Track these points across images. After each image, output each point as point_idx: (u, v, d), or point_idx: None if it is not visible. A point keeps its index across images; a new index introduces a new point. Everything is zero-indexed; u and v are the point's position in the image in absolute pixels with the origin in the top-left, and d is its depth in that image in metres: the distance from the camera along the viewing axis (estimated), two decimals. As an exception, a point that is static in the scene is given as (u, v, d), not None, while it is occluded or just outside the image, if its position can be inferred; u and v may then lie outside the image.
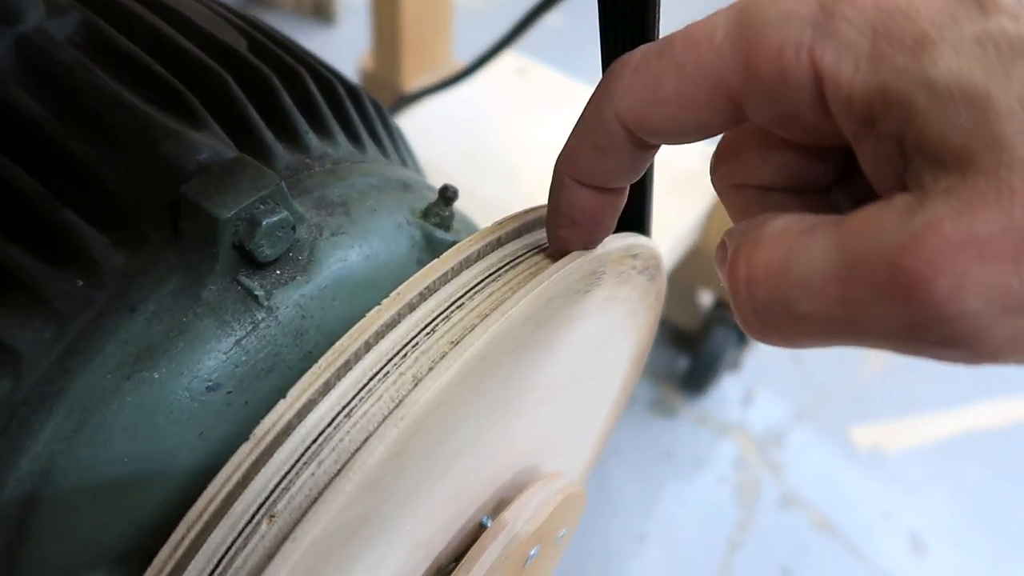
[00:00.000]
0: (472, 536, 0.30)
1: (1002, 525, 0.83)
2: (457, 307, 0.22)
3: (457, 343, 0.21)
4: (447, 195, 0.29)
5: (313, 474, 0.20)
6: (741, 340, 0.84)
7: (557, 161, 0.20)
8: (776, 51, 0.15)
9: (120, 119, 0.25)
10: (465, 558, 0.28)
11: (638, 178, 0.20)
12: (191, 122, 0.25)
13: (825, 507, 0.83)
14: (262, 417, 0.21)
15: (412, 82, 0.77)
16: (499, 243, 0.24)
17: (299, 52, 0.31)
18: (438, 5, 0.76)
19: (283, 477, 0.20)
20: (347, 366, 0.21)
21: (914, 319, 0.13)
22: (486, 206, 0.55)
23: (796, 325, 0.15)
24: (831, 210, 0.19)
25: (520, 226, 0.25)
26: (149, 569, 0.21)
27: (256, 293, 0.24)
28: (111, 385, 0.22)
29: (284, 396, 0.21)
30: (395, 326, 0.22)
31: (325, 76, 0.31)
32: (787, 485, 0.84)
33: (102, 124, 0.25)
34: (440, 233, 0.29)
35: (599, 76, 0.19)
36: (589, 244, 0.23)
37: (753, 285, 0.15)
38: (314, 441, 0.20)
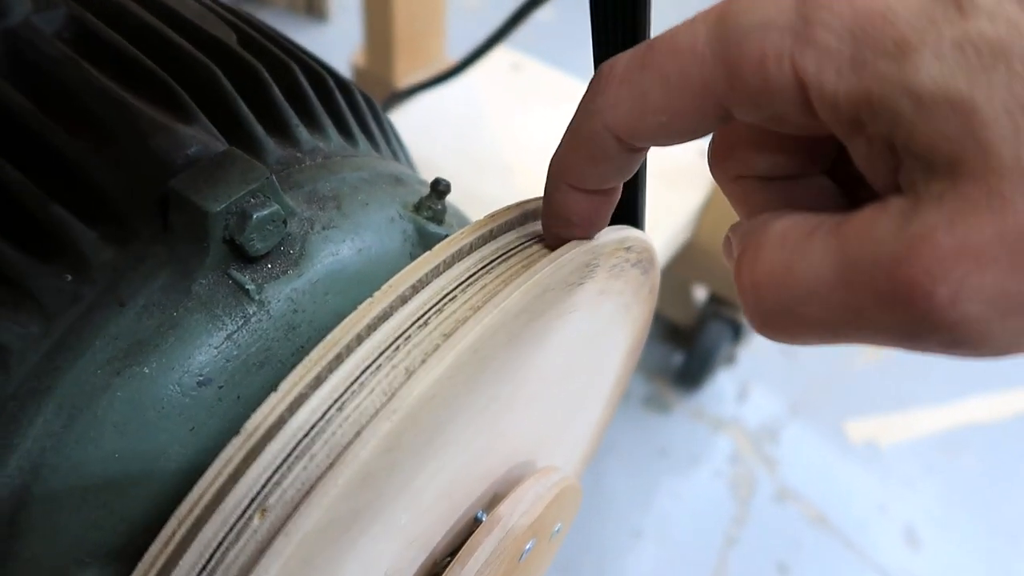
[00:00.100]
0: (467, 531, 0.29)
1: (996, 518, 0.83)
2: (450, 300, 0.22)
3: (450, 336, 0.21)
4: (439, 189, 0.29)
5: (305, 468, 0.19)
6: (735, 335, 0.84)
7: (550, 167, 0.21)
8: (758, 60, 0.15)
9: (109, 113, 0.24)
10: (460, 553, 0.28)
11: (631, 176, 0.20)
12: (180, 116, 0.25)
13: (820, 501, 0.83)
14: (254, 412, 0.20)
15: (405, 79, 0.77)
16: (491, 236, 0.24)
17: (289, 46, 0.31)
18: (431, 2, 0.76)
19: (275, 471, 0.20)
20: (339, 359, 0.21)
21: (916, 325, 0.13)
22: (479, 201, 0.55)
23: (804, 327, 0.15)
24: (833, 190, 0.19)
25: (513, 219, 0.24)
26: (140, 565, 0.20)
27: (247, 287, 0.24)
28: (101, 381, 0.22)
29: (276, 390, 0.20)
30: (387, 319, 0.22)
31: (315, 70, 0.30)
32: (782, 480, 0.84)
33: (90, 118, 0.24)
34: (432, 227, 0.28)
35: (591, 72, 0.19)
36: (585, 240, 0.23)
37: (759, 291, 0.16)
38: (306, 435, 0.20)
